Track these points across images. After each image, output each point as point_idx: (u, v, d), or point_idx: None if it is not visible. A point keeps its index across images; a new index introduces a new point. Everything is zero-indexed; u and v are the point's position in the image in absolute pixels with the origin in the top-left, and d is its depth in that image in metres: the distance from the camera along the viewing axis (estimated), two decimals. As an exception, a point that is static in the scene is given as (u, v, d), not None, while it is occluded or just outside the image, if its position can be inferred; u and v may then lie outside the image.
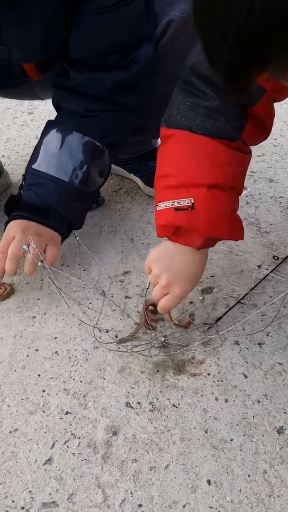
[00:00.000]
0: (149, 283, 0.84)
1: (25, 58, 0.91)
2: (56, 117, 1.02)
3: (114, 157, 1.04)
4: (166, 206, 0.73)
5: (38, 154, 0.98)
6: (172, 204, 0.72)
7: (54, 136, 0.97)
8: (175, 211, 0.72)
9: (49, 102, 1.27)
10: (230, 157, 0.71)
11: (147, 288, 0.91)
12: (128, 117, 1.00)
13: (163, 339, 0.82)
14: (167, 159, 0.75)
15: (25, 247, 0.86)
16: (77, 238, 1.12)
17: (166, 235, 0.76)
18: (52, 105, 1.05)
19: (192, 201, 0.70)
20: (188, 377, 0.78)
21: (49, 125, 1.00)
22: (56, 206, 0.94)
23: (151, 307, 0.87)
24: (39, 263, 0.84)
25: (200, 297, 0.70)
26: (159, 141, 0.83)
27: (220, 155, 0.71)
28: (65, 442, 0.71)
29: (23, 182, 0.98)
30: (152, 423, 0.72)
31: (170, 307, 0.80)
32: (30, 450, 0.70)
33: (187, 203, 0.70)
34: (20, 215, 0.93)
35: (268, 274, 0.95)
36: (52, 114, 1.94)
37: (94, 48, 0.89)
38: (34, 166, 0.97)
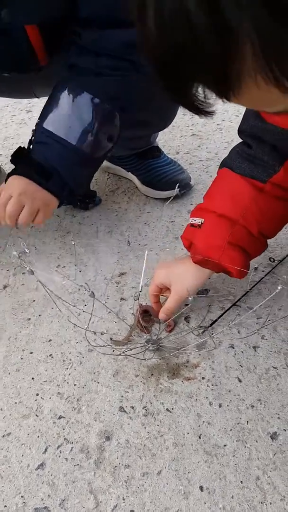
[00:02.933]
0: (142, 287, 0.84)
1: (27, 16, 0.88)
2: (68, 75, 0.99)
3: (125, 124, 1.01)
4: (189, 221, 0.86)
5: (48, 112, 0.96)
6: (191, 221, 0.84)
7: (65, 96, 0.95)
8: (190, 227, 0.85)
9: (42, 97, 1.26)
10: (251, 198, 0.79)
11: (140, 291, 0.91)
12: (141, 79, 0.99)
13: (157, 341, 0.82)
14: (210, 188, 0.87)
15: (14, 253, 0.86)
16: (73, 243, 1.12)
17: (185, 245, 0.87)
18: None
19: (202, 222, 0.82)
20: (182, 381, 0.78)
21: (61, 83, 0.97)
22: (60, 169, 0.94)
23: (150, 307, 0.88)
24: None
25: (190, 298, 0.70)
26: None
27: (242, 194, 0.79)
28: (58, 447, 0.70)
29: (33, 137, 0.98)
30: (145, 428, 0.72)
31: (169, 306, 0.84)
32: (22, 455, 0.70)
33: (199, 222, 0.82)
34: (23, 172, 0.94)
35: (264, 276, 0.94)
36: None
37: (105, 2, 0.87)
38: (44, 124, 0.96)
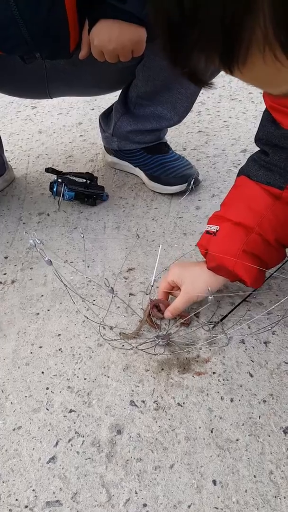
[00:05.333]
0: (154, 281, 0.84)
1: None
2: None
3: None
4: (205, 229, 0.86)
5: None
6: (207, 228, 0.85)
7: None
8: (206, 234, 0.85)
9: (54, 98, 1.26)
10: (267, 206, 0.79)
11: (152, 286, 0.91)
12: None
13: (168, 337, 0.82)
14: (227, 196, 0.87)
15: (31, 241, 0.85)
16: (82, 235, 1.11)
17: (201, 252, 0.87)
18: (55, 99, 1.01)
19: (217, 229, 0.82)
20: (193, 376, 0.77)
21: None
22: None
23: (161, 304, 0.87)
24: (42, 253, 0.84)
25: (210, 297, 0.69)
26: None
27: (259, 202, 0.79)
28: (69, 440, 0.70)
29: None
30: (156, 422, 0.71)
31: (177, 305, 0.84)
32: (33, 448, 0.69)
33: (214, 230, 0.83)
34: (100, 10, 0.89)
35: (275, 272, 0.94)
36: (56, 109, 1.93)
37: None
38: None
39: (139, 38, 0.90)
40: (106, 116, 1.31)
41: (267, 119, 0.80)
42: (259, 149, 0.85)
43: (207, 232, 0.84)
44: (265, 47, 0.31)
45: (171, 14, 0.34)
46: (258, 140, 0.84)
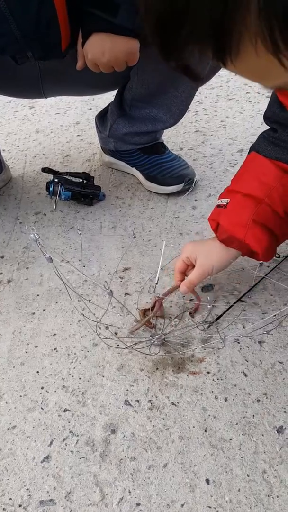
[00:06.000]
0: (158, 279, 0.85)
1: None
2: None
3: None
4: (216, 203, 0.87)
5: None
6: (218, 202, 0.86)
7: None
8: (217, 208, 0.86)
9: (50, 97, 1.26)
10: (276, 178, 0.80)
11: (156, 284, 0.91)
12: None
13: (163, 337, 0.82)
14: (237, 172, 0.89)
15: (32, 235, 0.85)
16: (79, 232, 1.11)
17: (212, 227, 0.87)
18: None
19: (228, 202, 0.84)
20: (187, 375, 0.78)
21: None
22: None
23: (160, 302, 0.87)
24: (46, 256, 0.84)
25: (210, 306, 0.69)
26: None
27: (268, 175, 0.81)
28: (64, 439, 0.70)
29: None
30: (151, 421, 0.71)
31: (192, 278, 0.85)
32: (28, 448, 0.70)
33: (225, 202, 0.84)
34: (92, 23, 0.89)
35: (270, 272, 0.94)
36: (53, 109, 1.93)
37: None
38: None
39: (132, 49, 0.91)
40: (102, 117, 1.31)
41: (275, 100, 0.82)
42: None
43: (218, 206, 0.86)
44: (257, 39, 0.31)
45: (162, 9, 0.33)
46: (266, 118, 0.86)
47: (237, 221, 0.80)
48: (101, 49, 0.90)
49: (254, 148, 0.86)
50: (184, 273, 0.89)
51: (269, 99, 0.85)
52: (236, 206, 0.82)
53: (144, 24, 0.36)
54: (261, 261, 0.88)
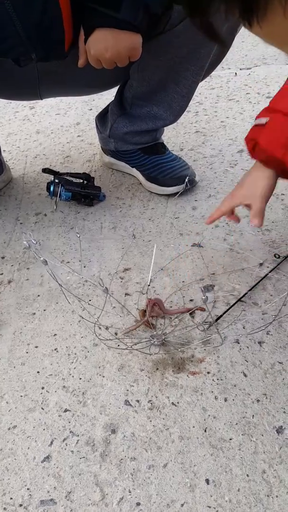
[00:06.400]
0: (150, 280, 0.84)
1: None
2: None
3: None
4: (254, 123, 0.86)
5: None
6: (256, 121, 0.85)
7: None
8: (255, 127, 0.85)
9: (45, 98, 1.26)
10: None
11: (148, 285, 0.91)
12: None
13: (163, 337, 0.82)
14: (277, 93, 0.87)
15: (25, 242, 0.86)
16: (78, 235, 1.12)
17: (248, 148, 0.87)
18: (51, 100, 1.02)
19: (267, 121, 0.83)
20: (187, 376, 0.78)
21: None
22: None
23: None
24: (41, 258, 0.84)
25: (203, 297, 0.69)
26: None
27: None
28: (64, 439, 0.70)
29: None
30: (151, 421, 0.72)
31: (224, 204, 0.89)
32: (28, 447, 0.70)
33: (264, 121, 0.83)
34: (95, 19, 0.89)
35: (269, 272, 0.95)
36: (54, 109, 1.94)
37: None
38: None
39: (135, 44, 0.91)
40: (102, 117, 1.32)
41: None
42: None
43: (256, 125, 0.85)
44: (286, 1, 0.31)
45: None
46: None
47: (276, 139, 0.80)
48: (104, 44, 0.90)
49: None
50: (232, 212, 0.91)
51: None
52: (276, 125, 0.81)
53: None
54: (261, 262, 0.88)
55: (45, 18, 0.87)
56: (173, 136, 1.56)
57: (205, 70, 1.10)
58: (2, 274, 1.04)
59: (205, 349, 0.82)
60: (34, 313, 0.93)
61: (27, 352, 0.85)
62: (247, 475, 0.64)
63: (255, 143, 0.84)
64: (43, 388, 0.78)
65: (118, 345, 0.84)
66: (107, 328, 0.87)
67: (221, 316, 0.87)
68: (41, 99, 1.24)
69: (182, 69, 1.07)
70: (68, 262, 1.06)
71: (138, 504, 0.62)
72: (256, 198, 0.85)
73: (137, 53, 0.93)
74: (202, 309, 0.89)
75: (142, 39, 0.92)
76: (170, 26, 0.97)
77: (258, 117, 0.86)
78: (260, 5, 0.32)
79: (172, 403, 0.74)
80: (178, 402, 0.74)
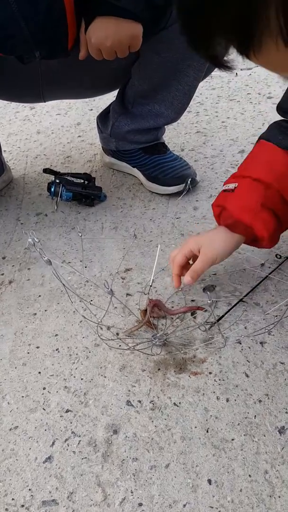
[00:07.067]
0: (152, 281, 0.84)
1: None
2: None
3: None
4: (222, 189, 0.86)
5: None
6: (225, 187, 0.85)
7: None
8: (223, 192, 0.85)
9: (49, 101, 1.26)
10: (286, 165, 0.80)
11: (150, 286, 0.91)
12: None
13: (165, 337, 0.82)
14: (245, 158, 0.88)
15: (30, 240, 0.85)
16: (80, 234, 1.12)
17: (215, 214, 0.87)
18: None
19: (235, 186, 0.83)
20: (189, 376, 0.78)
21: None
22: None
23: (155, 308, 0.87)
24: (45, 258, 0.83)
25: (209, 301, 0.69)
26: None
27: (278, 162, 0.81)
28: (65, 440, 0.70)
29: None
30: (152, 421, 0.72)
31: (196, 267, 0.84)
32: (30, 448, 0.70)
33: (232, 187, 0.83)
34: (96, 7, 0.89)
35: (271, 272, 0.94)
36: (54, 110, 1.94)
37: None
38: None
39: (136, 33, 0.91)
40: (103, 117, 1.31)
41: None
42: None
43: (224, 191, 0.85)
44: (278, 36, 0.35)
45: (193, 3, 0.38)
46: (280, 108, 0.86)
47: (245, 204, 0.80)
48: (105, 32, 0.90)
49: (263, 137, 0.86)
50: (183, 268, 0.87)
51: (284, 91, 0.86)
52: (245, 190, 0.81)
53: (176, 18, 0.41)
54: (263, 262, 0.88)
55: (50, 17, 0.87)
56: (174, 136, 1.56)
57: (207, 66, 1.10)
58: (3, 274, 1.04)
59: (206, 350, 0.81)
60: (35, 314, 0.93)
61: (28, 353, 0.85)
62: (249, 476, 0.64)
63: (222, 209, 0.84)
64: (44, 388, 0.78)
65: (120, 345, 0.83)
66: (108, 328, 0.87)
67: (222, 316, 0.87)
68: (44, 102, 1.24)
69: (184, 65, 1.07)
70: (69, 262, 1.06)
71: (140, 504, 0.62)
72: (203, 256, 0.83)
73: (137, 42, 0.93)
74: (201, 309, 0.89)
75: (145, 35, 0.92)
76: (172, 21, 0.97)
77: (226, 183, 0.86)
78: (255, 42, 0.36)
79: (174, 403, 0.74)
80: (180, 403, 0.74)
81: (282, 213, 0.81)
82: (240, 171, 0.86)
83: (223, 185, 0.86)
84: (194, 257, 0.86)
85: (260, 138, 0.87)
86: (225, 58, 0.42)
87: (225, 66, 0.43)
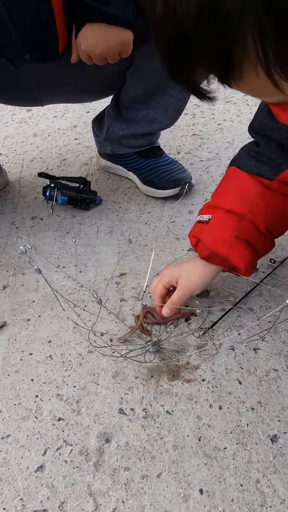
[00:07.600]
0: (146, 286, 0.84)
1: None
2: None
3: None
4: (197, 219, 0.86)
5: None
6: (199, 218, 0.85)
7: None
8: (198, 223, 0.85)
9: (46, 105, 1.26)
10: (258, 194, 0.79)
11: (144, 292, 0.91)
12: None
13: (158, 343, 0.82)
14: (218, 187, 0.87)
15: (21, 247, 0.85)
16: (74, 240, 1.11)
17: (191, 243, 0.87)
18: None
19: (209, 218, 0.82)
20: (182, 383, 0.77)
21: None
22: None
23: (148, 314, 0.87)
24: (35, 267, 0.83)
25: (198, 311, 0.69)
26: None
27: (250, 191, 0.80)
28: (57, 449, 0.70)
29: None
30: (145, 430, 0.71)
31: (174, 299, 0.84)
32: (22, 457, 0.70)
33: (206, 218, 0.83)
34: (85, 14, 0.89)
35: (265, 277, 0.94)
36: (51, 112, 1.93)
37: None
38: None
39: (125, 40, 0.91)
40: (98, 121, 1.31)
41: (263, 109, 0.81)
42: (251, 140, 0.86)
43: (199, 221, 0.84)
44: (257, 65, 0.35)
45: (171, 36, 0.37)
46: (251, 128, 0.85)
47: (220, 237, 0.79)
48: (94, 39, 0.90)
49: (235, 162, 0.85)
50: (165, 297, 0.87)
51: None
52: (218, 222, 0.81)
53: (155, 49, 0.41)
54: (257, 267, 0.88)
55: (38, 20, 0.87)
56: (170, 139, 1.56)
57: None
58: (-3, 279, 1.04)
59: (200, 356, 0.81)
60: (29, 319, 0.93)
61: (21, 359, 0.84)
62: (241, 485, 0.64)
63: (198, 240, 0.84)
64: (37, 396, 0.78)
65: (113, 352, 0.83)
66: (102, 334, 0.86)
67: (216, 322, 0.87)
68: (42, 105, 1.23)
69: None
70: (64, 267, 1.06)
71: (131, 514, 0.62)
72: (181, 289, 0.83)
73: (128, 49, 0.92)
74: (195, 315, 0.88)
75: (137, 41, 0.91)
76: None
77: (200, 213, 0.86)
78: (236, 71, 0.37)
79: (167, 411, 0.74)
80: (172, 411, 0.73)
81: (257, 243, 0.80)
82: (213, 200, 0.85)
83: (198, 215, 0.86)
84: (174, 286, 0.86)
85: (231, 163, 0.86)
86: (207, 89, 0.42)
87: (207, 97, 0.43)
